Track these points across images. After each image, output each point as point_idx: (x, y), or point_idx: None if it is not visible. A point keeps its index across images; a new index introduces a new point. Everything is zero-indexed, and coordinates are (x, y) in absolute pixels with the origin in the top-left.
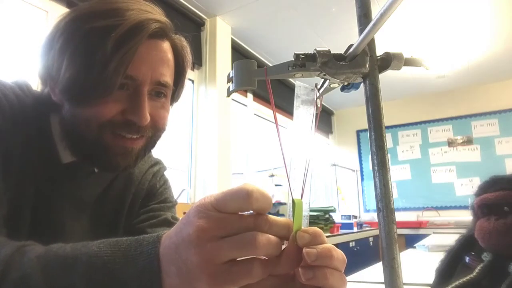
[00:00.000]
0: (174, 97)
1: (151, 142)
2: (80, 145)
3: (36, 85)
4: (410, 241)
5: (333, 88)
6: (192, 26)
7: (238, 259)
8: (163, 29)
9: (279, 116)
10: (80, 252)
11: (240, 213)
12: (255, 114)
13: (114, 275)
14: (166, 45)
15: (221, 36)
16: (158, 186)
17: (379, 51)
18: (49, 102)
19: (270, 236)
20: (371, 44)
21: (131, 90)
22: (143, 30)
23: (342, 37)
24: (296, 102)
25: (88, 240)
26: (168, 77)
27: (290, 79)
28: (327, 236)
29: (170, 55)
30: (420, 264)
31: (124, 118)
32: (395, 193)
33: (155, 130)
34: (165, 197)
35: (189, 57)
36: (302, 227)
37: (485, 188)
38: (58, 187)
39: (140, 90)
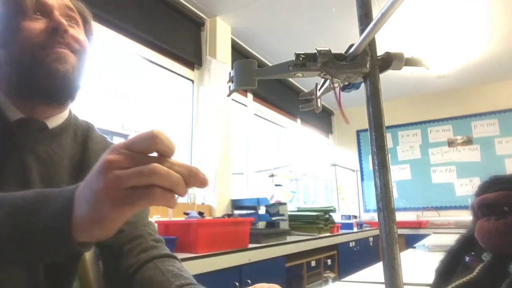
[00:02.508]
0: (88, 36)
1: (81, 63)
2: (23, 72)
3: None
4: (410, 241)
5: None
6: (192, 26)
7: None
8: None
9: (279, 116)
10: (8, 196)
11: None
12: (255, 114)
13: (33, 214)
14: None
15: (221, 36)
16: None
17: (380, 51)
18: None
19: (170, 170)
20: (371, 44)
21: (45, 14)
22: None
23: (342, 37)
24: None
25: None
26: (73, 5)
27: (290, 79)
28: (327, 236)
29: (73, 5)
30: (420, 264)
31: (47, 31)
32: (395, 193)
33: (80, 49)
34: None
35: (89, 13)
36: None
37: (485, 188)
38: (9, 145)
39: (51, 9)
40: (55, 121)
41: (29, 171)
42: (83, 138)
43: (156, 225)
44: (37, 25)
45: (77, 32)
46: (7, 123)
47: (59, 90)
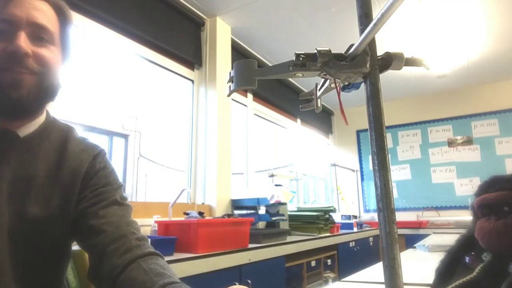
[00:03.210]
0: (65, 52)
1: (44, 82)
2: None
3: None
4: (410, 241)
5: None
6: (192, 26)
7: None
8: None
9: (279, 116)
10: None
11: None
12: (255, 114)
13: None
14: (42, 3)
15: (221, 36)
16: (98, 168)
17: (380, 51)
18: None
19: None
20: (371, 44)
21: (10, 33)
22: None
23: (342, 37)
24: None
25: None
26: (45, 21)
27: (290, 79)
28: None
29: (47, 9)
30: (420, 264)
31: (6, 53)
32: (395, 193)
33: (44, 68)
34: (109, 179)
35: (70, 13)
36: None
37: (485, 188)
38: None
39: (16, 28)
40: (28, 129)
41: (1, 180)
42: (61, 139)
43: (138, 223)
44: None
45: (40, 51)
46: None
47: (16, 112)
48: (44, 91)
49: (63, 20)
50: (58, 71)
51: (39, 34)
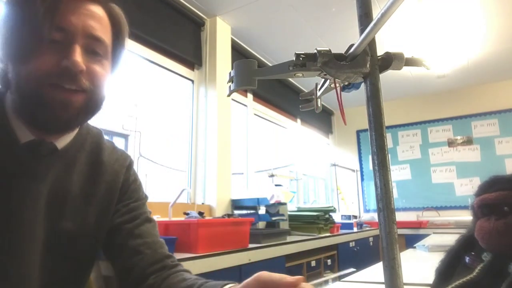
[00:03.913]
0: (115, 64)
1: (93, 100)
2: (23, 105)
3: None
4: (410, 241)
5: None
6: (192, 26)
7: None
8: None
9: (279, 116)
10: None
11: None
12: (255, 114)
13: None
14: (98, 9)
15: (221, 36)
16: (131, 182)
17: (380, 51)
18: (5, 80)
19: None
20: (371, 44)
21: (65, 43)
22: None
23: (342, 37)
24: None
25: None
26: (101, 33)
27: (290, 79)
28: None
29: (103, 16)
30: (420, 264)
31: (59, 68)
32: (395, 193)
33: (94, 86)
34: (139, 194)
35: (125, 24)
36: None
37: (485, 188)
38: (17, 172)
39: (72, 39)
40: (65, 139)
41: (38, 198)
42: (95, 148)
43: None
44: (50, 57)
45: (93, 67)
46: (16, 146)
47: (61, 130)
48: (91, 109)
49: (117, 29)
50: (106, 86)
51: (94, 48)
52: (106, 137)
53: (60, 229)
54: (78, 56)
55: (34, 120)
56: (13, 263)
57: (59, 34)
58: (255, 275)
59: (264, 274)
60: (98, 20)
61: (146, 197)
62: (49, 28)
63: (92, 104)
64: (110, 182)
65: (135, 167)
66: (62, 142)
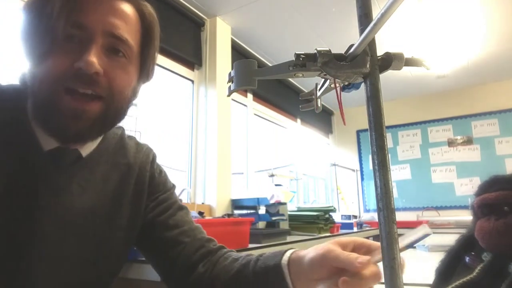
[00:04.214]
0: (144, 70)
1: (111, 109)
2: (37, 111)
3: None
4: None
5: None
6: (192, 26)
7: None
8: None
9: (279, 116)
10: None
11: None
12: (255, 114)
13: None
14: (125, 6)
15: (221, 36)
16: (157, 175)
17: (380, 51)
18: (26, 82)
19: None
20: (371, 44)
21: (82, 41)
22: None
23: (342, 37)
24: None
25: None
26: (125, 32)
27: (290, 79)
28: (327, 236)
29: (130, 14)
30: (420, 264)
31: (73, 69)
32: (395, 193)
33: (113, 92)
34: (167, 185)
35: (157, 25)
36: None
37: (485, 188)
38: (41, 182)
39: (90, 38)
40: (91, 145)
41: (63, 213)
42: (119, 151)
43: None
44: (65, 58)
45: (113, 70)
46: (40, 155)
47: (73, 141)
48: (109, 120)
49: (147, 31)
50: (129, 93)
51: (115, 46)
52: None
53: (91, 240)
54: (93, 56)
55: (46, 127)
56: (34, 284)
57: (76, 31)
58: (324, 249)
59: (331, 253)
60: (123, 18)
61: (173, 186)
62: (64, 25)
63: (110, 114)
64: (137, 181)
65: None
66: (87, 148)
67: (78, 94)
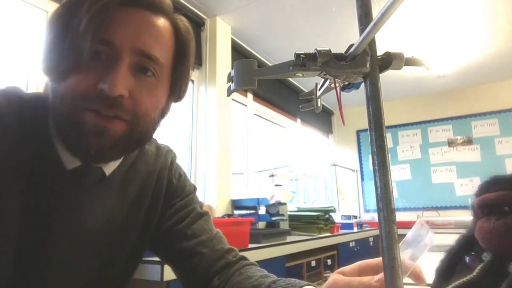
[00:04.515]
0: (175, 90)
1: (135, 132)
2: (58, 128)
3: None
4: None
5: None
6: (192, 26)
7: None
8: (153, 1)
9: (279, 116)
10: None
11: None
12: (255, 114)
13: None
14: (159, 20)
15: (221, 36)
16: (175, 181)
17: (380, 51)
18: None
19: None
20: (371, 44)
21: (108, 60)
22: None
23: (342, 37)
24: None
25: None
26: (156, 50)
27: (290, 79)
28: (327, 236)
29: (163, 30)
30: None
31: (96, 90)
32: (395, 193)
33: (137, 116)
34: (186, 189)
35: (193, 41)
36: None
37: (485, 188)
38: (63, 203)
39: (117, 56)
40: (115, 164)
41: (85, 233)
42: (139, 159)
43: (220, 232)
44: (89, 76)
45: (140, 92)
46: (62, 174)
47: (93, 161)
48: (133, 142)
49: (181, 48)
50: (155, 116)
51: (144, 65)
52: None
53: (103, 257)
54: (119, 78)
55: (67, 145)
56: None
57: (103, 48)
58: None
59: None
60: (154, 34)
61: (194, 189)
62: (91, 41)
63: (134, 137)
64: (155, 190)
65: None
66: (111, 166)
67: (100, 114)
